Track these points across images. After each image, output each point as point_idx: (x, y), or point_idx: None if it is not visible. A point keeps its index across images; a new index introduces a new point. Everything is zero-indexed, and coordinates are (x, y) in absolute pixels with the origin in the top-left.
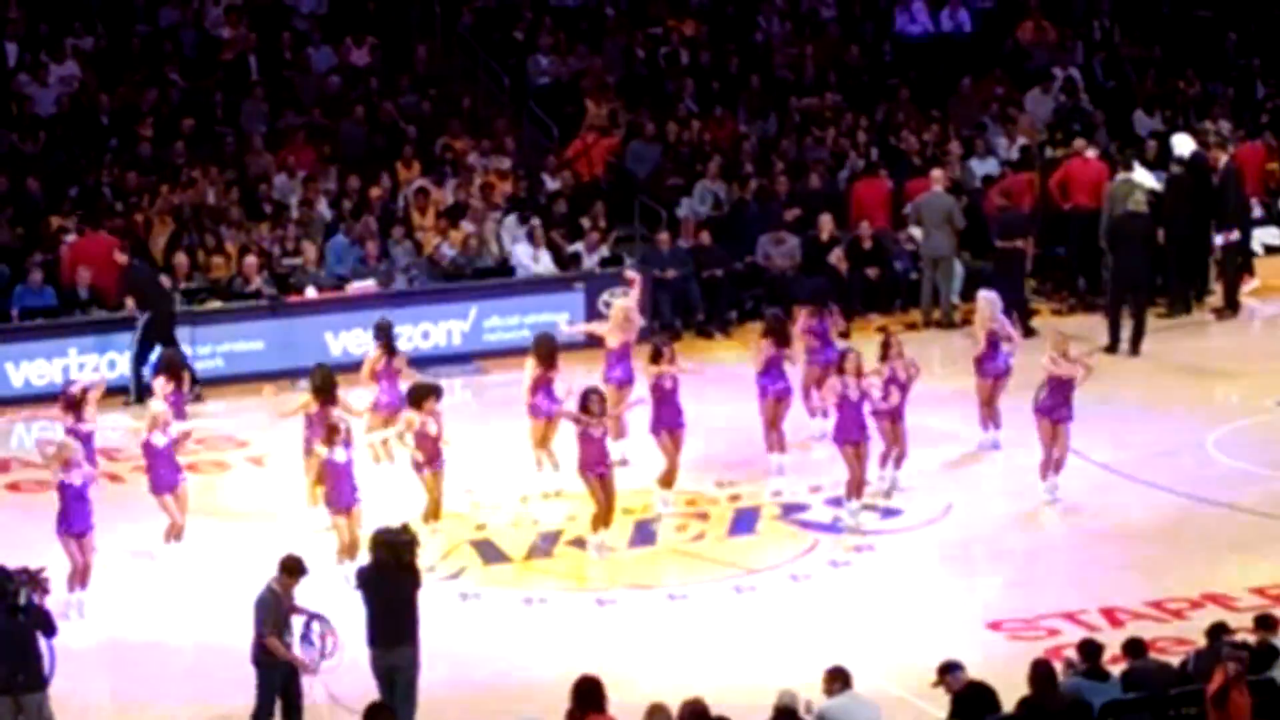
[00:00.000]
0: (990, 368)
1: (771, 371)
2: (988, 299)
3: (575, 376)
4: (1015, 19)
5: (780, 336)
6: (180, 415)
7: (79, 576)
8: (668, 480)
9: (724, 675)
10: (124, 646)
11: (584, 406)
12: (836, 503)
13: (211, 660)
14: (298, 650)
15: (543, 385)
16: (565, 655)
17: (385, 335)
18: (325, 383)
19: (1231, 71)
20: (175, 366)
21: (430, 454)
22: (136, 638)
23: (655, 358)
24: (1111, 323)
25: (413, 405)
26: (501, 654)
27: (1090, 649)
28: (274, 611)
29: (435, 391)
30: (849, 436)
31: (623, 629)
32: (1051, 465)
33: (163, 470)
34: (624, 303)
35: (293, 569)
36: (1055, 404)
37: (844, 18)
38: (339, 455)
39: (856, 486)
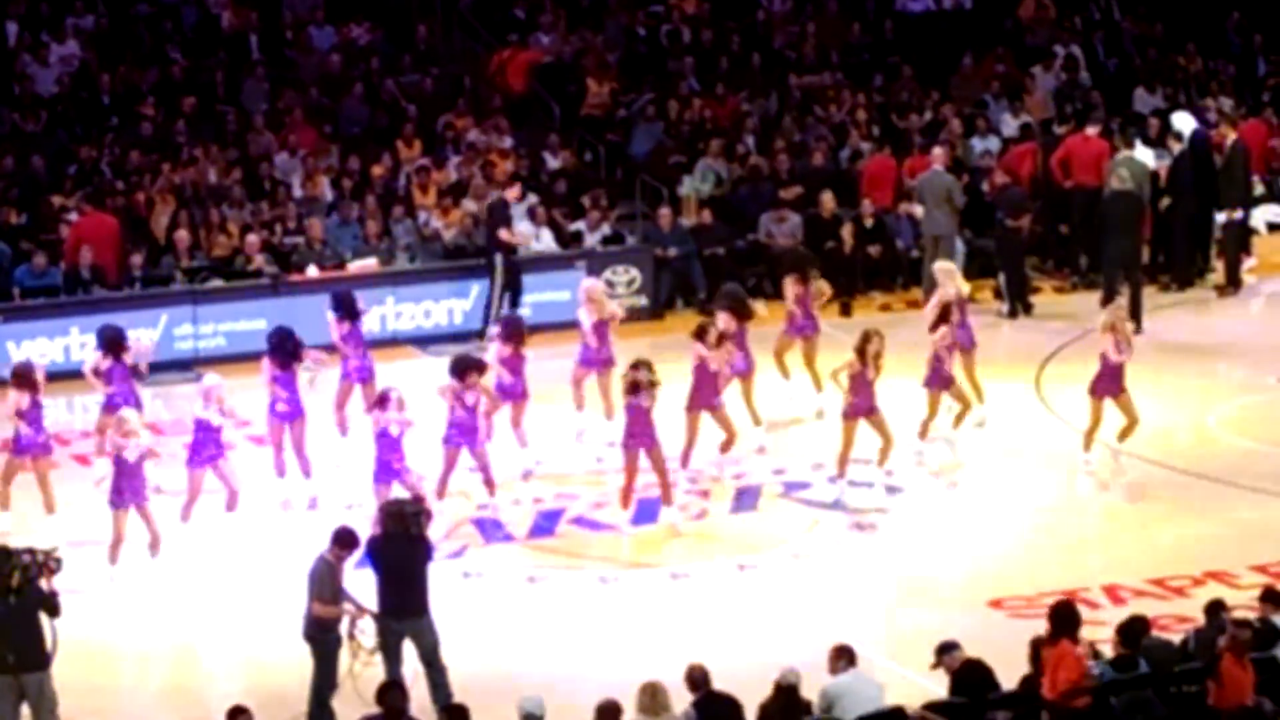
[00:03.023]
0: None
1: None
2: (944, 270)
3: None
4: None
5: (741, 312)
6: (120, 384)
7: (152, 546)
8: (684, 459)
9: (726, 653)
10: (151, 628)
11: (633, 380)
12: (838, 480)
13: (223, 641)
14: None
15: (511, 366)
16: (567, 634)
17: (347, 305)
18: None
19: (1233, 48)
20: (118, 340)
21: (468, 428)
22: (152, 618)
23: (699, 336)
24: (1106, 304)
25: (456, 378)
26: (504, 633)
27: (1130, 632)
28: (327, 582)
29: (479, 366)
30: (860, 412)
31: (625, 607)
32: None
33: (205, 445)
34: (591, 282)
35: (346, 541)
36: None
37: None
38: (393, 428)
39: (844, 463)
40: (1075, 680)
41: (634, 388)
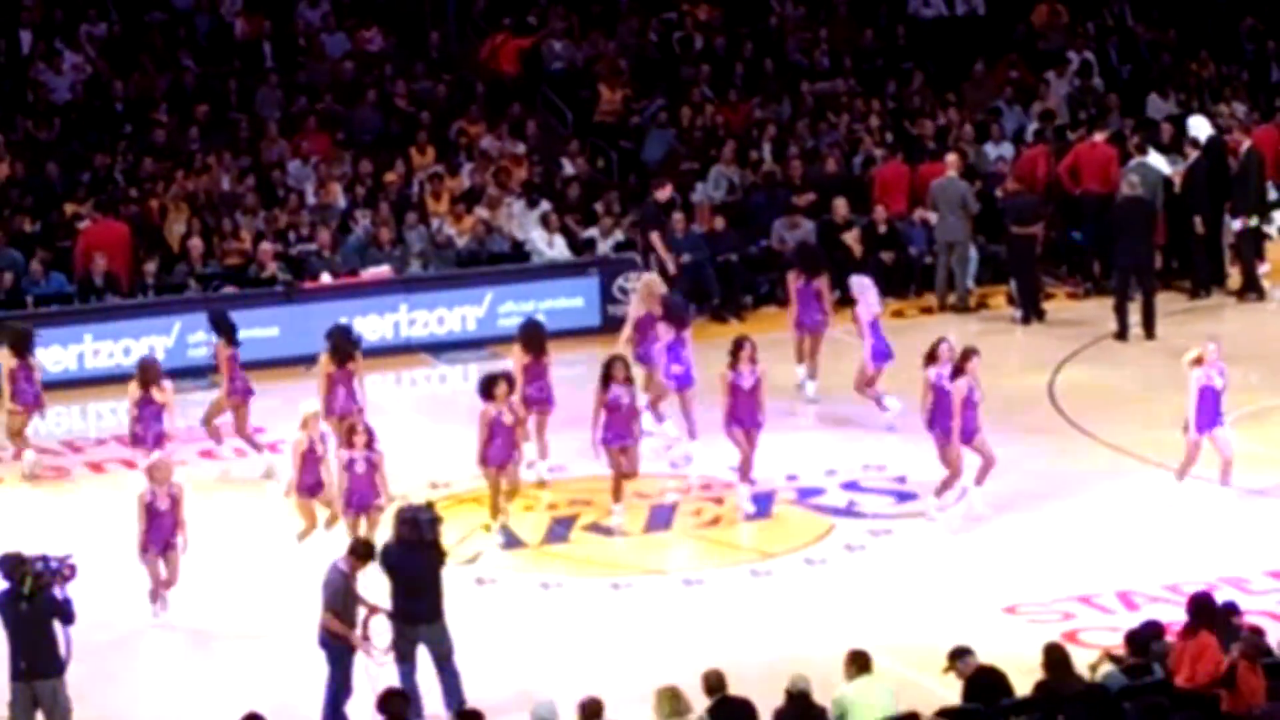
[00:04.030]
0: (880, 351)
1: (673, 353)
2: (859, 285)
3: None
4: (1029, 2)
5: (678, 321)
6: (26, 391)
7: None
8: (744, 473)
9: (740, 660)
10: (166, 635)
11: (607, 374)
12: (851, 486)
13: (238, 648)
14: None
15: (532, 374)
16: (581, 640)
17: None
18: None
19: (1246, 54)
20: (22, 340)
21: (502, 449)
22: (166, 625)
23: (734, 355)
24: (1119, 310)
25: (484, 396)
26: (517, 639)
27: (1139, 640)
28: (340, 593)
29: (506, 379)
30: (946, 426)
31: (638, 613)
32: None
33: (307, 473)
34: (648, 275)
35: (361, 553)
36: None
37: (857, 1)
38: (359, 465)
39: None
40: (1215, 673)
41: (606, 381)
